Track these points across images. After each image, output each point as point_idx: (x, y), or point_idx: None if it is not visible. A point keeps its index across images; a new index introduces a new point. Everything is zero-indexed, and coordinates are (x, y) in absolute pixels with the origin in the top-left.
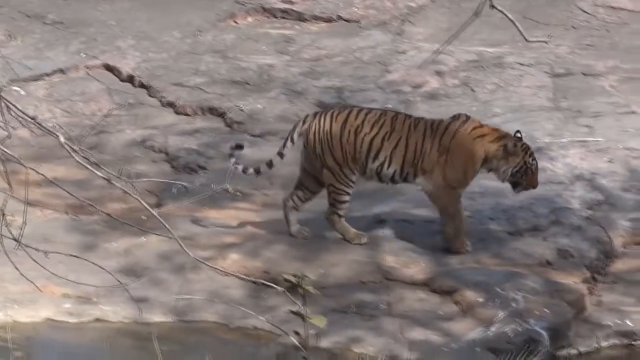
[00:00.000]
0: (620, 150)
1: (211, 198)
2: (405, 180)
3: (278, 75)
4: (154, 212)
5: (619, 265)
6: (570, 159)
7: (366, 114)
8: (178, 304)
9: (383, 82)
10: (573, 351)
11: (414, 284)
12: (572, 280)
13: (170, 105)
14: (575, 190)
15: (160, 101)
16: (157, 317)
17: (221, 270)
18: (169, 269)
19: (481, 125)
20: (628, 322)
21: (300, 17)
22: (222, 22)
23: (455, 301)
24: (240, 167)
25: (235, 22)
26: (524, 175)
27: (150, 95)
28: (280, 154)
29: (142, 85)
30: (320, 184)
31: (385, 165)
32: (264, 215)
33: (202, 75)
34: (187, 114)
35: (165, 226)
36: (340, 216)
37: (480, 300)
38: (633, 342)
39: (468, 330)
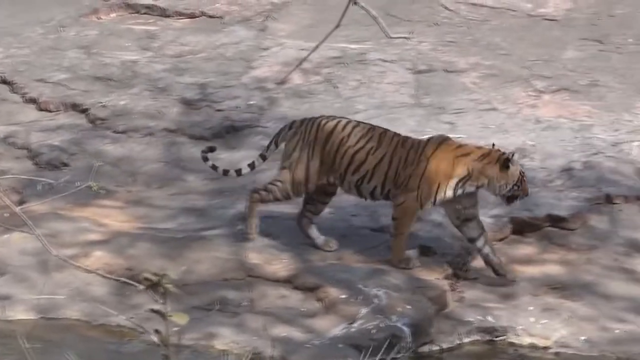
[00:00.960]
0: None
1: (75, 195)
2: (386, 197)
3: (141, 72)
4: (17, 209)
5: (480, 262)
6: None
7: (353, 127)
8: (41, 301)
9: (246, 79)
10: (435, 347)
11: (276, 281)
12: (434, 277)
13: (33, 101)
14: None
15: (23, 97)
16: (20, 314)
17: (84, 268)
18: (32, 266)
19: (463, 145)
20: (489, 318)
21: (163, 13)
22: (85, 18)
23: (318, 298)
24: (220, 169)
25: (99, 18)
26: (519, 187)
27: (12, 92)
28: (263, 156)
29: (4, 82)
30: (329, 194)
31: (366, 180)
32: (128, 212)
33: (65, 71)
34: (50, 110)
35: (28, 223)
36: (261, 201)
37: (343, 297)
38: (494, 338)
39: (331, 326)
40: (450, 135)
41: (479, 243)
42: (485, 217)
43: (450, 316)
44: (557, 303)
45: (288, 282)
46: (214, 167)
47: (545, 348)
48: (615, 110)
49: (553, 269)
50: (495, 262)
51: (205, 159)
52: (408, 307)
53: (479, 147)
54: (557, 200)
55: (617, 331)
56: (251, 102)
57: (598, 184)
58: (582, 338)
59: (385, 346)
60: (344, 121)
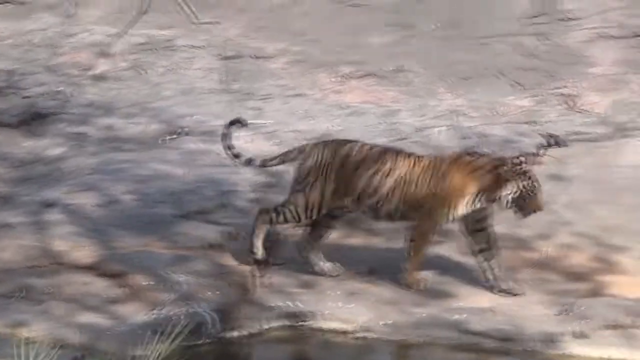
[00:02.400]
0: (288, 132)
1: None
2: (402, 218)
3: None
4: None
5: (285, 247)
6: (239, 142)
7: (368, 149)
8: None
9: (53, 65)
10: (241, 333)
11: (82, 267)
12: (239, 263)
13: None
14: (243, 172)
15: None
16: None
17: None
18: None
19: (480, 157)
20: (295, 303)
21: None
22: None
23: (123, 285)
24: (243, 158)
25: None
26: (525, 200)
27: None
28: (264, 163)
29: None
30: (334, 218)
31: (383, 202)
32: None
33: None
34: None
35: None
36: (271, 222)
37: (148, 283)
38: (300, 323)
39: (136, 313)
40: (259, 122)
41: (480, 257)
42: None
43: (256, 302)
44: (362, 288)
45: (93, 268)
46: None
47: (350, 332)
48: (421, 95)
49: (358, 254)
50: (490, 279)
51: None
52: (213, 293)
53: (494, 159)
54: None
55: (419, 315)
56: (57, 89)
57: None
58: (386, 322)
59: (190, 332)
60: (358, 144)
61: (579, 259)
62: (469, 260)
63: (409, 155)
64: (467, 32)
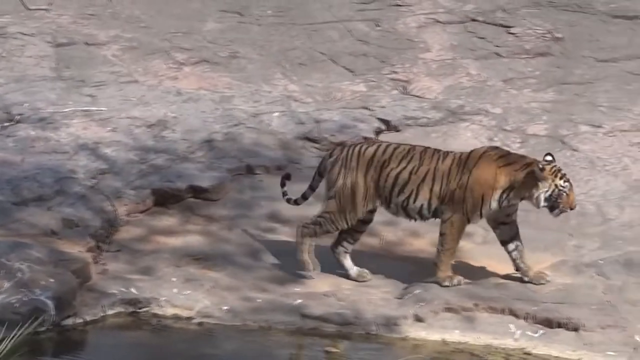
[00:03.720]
0: (123, 119)
1: None
2: (434, 215)
3: None
4: None
5: (123, 234)
6: (74, 129)
7: (394, 149)
8: None
9: None
10: (79, 320)
11: None
12: (77, 250)
13: None
14: (79, 159)
15: None
16: None
17: None
18: None
19: (508, 154)
20: (133, 289)
21: None
22: None
23: None
24: (286, 197)
25: None
26: (557, 199)
27: None
28: (312, 188)
29: None
30: (366, 221)
31: (412, 199)
32: None
33: None
34: None
35: None
36: (312, 235)
37: None
38: (138, 310)
39: None
40: (93, 108)
41: (510, 246)
42: (128, 188)
43: (94, 288)
44: (200, 274)
45: None
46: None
47: (189, 318)
48: (255, 81)
49: (196, 240)
50: (522, 268)
51: (283, 185)
52: (51, 280)
53: (522, 157)
54: (199, 171)
55: (258, 300)
56: None
57: (239, 155)
58: (225, 308)
59: (29, 320)
60: (383, 145)
61: (419, 244)
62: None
63: (435, 151)
64: (300, 18)
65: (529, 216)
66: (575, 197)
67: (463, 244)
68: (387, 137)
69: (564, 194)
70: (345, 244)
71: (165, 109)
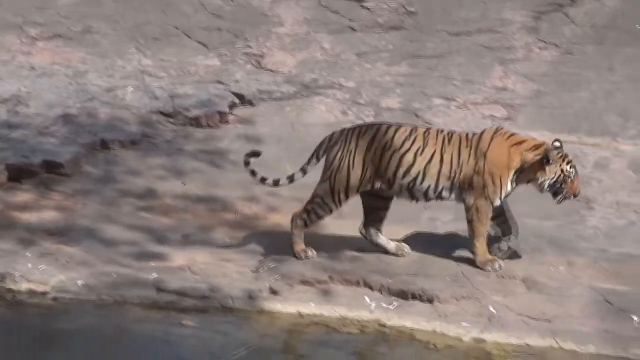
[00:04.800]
0: None
1: None
2: (439, 196)
3: None
4: None
5: None
6: None
7: (396, 130)
8: None
9: None
10: None
11: None
12: None
13: None
14: None
15: None
16: None
17: None
18: None
19: (516, 134)
20: None
21: None
22: None
23: None
24: (258, 176)
25: None
26: (562, 184)
27: None
28: (303, 170)
29: None
30: (386, 198)
31: (419, 181)
32: None
33: None
34: None
35: None
36: (305, 225)
37: None
38: None
39: None
40: None
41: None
42: None
43: None
44: (55, 249)
45: None
46: (253, 173)
47: (44, 293)
48: (109, 56)
49: (50, 215)
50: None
51: (247, 163)
52: None
53: (532, 138)
54: (53, 146)
55: (114, 275)
56: None
57: (94, 130)
58: (80, 282)
59: None
60: (384, 126)
61: (276, 219)
62: (162, 220)
63: (440, 131)
64: None
65: None
66: (579, 183)
67: None
68: (241, 111)
69: (569, 179)
70: (374, 224)
71: (19, 84)
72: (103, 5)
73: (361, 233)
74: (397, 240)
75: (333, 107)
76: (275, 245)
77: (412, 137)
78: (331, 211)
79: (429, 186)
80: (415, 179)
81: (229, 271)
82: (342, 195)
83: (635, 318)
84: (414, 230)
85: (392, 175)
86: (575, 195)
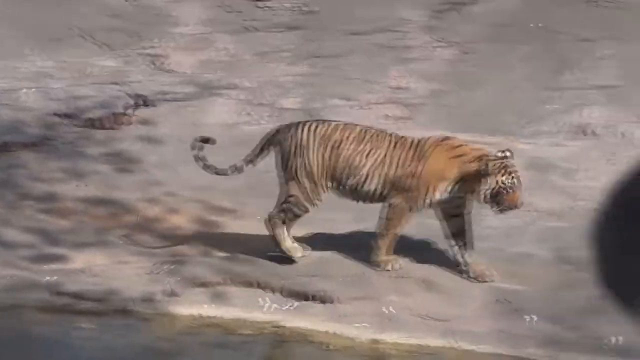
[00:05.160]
0: None
1: None
2: (382, 198)
3: None
4: None
5: None
6: None
7: (349, 130)
8: None
9: None
10: None
11: None
12: None
13: None
14: None
15: None
16: None
17: None
18: None
19: (461, 145)
20: None
21: None
22: None
23: None
24: (201, 163)
25: None
26: (501, 195)
27: None
28: (247, 161)
29: None
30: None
31: (366, 183)
32: None
33: None
34: None
35: None
36: (283, 223)
37: None
38: None
39: None
40: None
41: (452, 241)
42: None
43: None
44: None
45: None
46: (198, 159)
47: None
48: (8, 57)
49: None
50: (461, 263)
51: (194, 148)
52: None
53: (477, 149)
54: None
55: (10, 278)
56: None
57: None
58: None
59: None
60: (334, 124)
61: (177, 220)
62: (61, 223)
63: (390, 135)
64: None
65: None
66: (521, 195)
67: (217, 218)
68: (142, 112)
69: (508, 191)
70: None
71: None
72: (1, 6)
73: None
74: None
75: (233, 108)
76: (174, 247)
77: (363, 138)
78: (307, 210)
79: (374, 189)
80: (361, 181)
81: (128, 273)
82: (314, 194)
83: (530, 317)
84: (311, 232)
85: (340, 175)
86: (515, 207)
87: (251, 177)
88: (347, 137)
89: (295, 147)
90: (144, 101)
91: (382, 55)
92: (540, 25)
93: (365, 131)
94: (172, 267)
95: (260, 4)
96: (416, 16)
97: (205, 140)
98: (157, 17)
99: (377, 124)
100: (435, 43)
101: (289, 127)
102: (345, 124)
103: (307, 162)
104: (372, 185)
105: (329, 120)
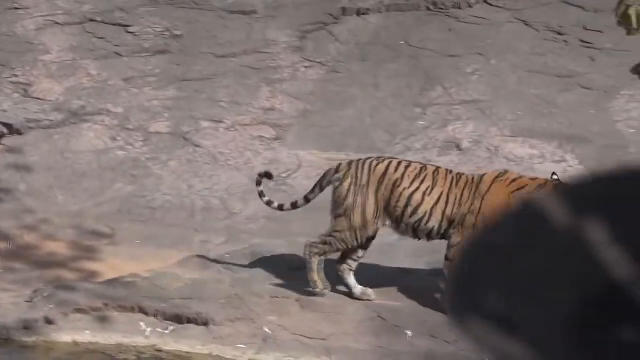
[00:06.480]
0: None
1: None
2: (442, 236)
3: None
4: None
5: None
6: None
7: (406, 167)
8: None
9: None
10: None
11: None
12: None
13: None
14: None
15: None
16: None
17: None
18: None
19: (520, 177)
20: None
21: None
22: None
23: None
24: (265, 199)
25: None
26: None
27: None
28: (307, 198)
29: None
30: (370, 238)
31: (424, 221)
32: None
33: None
34: None
35: None
36: (321, 255)
37: None
38: None
39: None
40: None
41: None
42: None
43: None
44: None
45: None
46: (269, 203)
47: None
48: None
49: None
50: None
51: (259, 183)
52: None
53: (534, 179)
54: None
55: None
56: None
57: None
58: None
59: None
60: (395, 162)
61: (54, 247)
62: None
63: (448, 172)
64: None
65: (155, 214)
66: None
67: (92, 243)
68: (10, 140)
69: None
70: (349, 261)
71: None
72: None
73: (336, 265)
74: (169, 266)
75: (102, 134)
76: (51, 273)
77: (422, 176)
78: (349, 247)
79: (433, 227)
80: (421, 219)
81: (3, 302)
82: (361, 234)
83: (408, 333)
84: (187, 254)
85: (401, 214)
86: None
87: (124, 202)
88: (406, 175)
89: (355, 185)
90: (12, 129)
91: (251, 77)
92: (405, 42)
93: (423, 168)
94: (51, 293)
95: (125, 29)
96: (284, 37)
97: (267, 176)
98: (23, 45)
99: (247, 145)
100: (303, 63)
101: (349, 165)
102: (402, 161)
103: (363, 200)
104: (431, 223)
105: (386, 157)
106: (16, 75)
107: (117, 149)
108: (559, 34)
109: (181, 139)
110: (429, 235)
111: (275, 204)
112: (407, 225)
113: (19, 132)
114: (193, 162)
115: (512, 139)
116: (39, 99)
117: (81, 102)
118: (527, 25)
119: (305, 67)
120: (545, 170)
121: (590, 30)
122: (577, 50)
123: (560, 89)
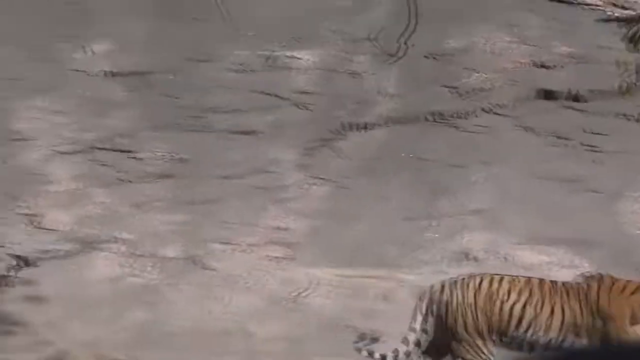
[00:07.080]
0: None
1: None
2: (558, 347)
3: None
4: None
5: None
6: None
7: (509, 282)
8: None
9: None
10: None
11: None
12: None
13: None
14: None
15: None
16: None
17: None
18: None
19: (629, 281)
20: None
21: None
22: None
23: None
24: (377, 355)
25: None
26: None
27: None
28: (414, 329)
29: None
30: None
31: (541, 334)
32: None
33: None
34: None
35: None
36: None
37: None
38: None
39: None
40: None
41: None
42: None
43: None
44: None
45: None
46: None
47: None
48: None
49: None
50: None
51: (359, 350)
52: None
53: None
54: None
55: None
56: None
57: None
58: None
59: None
60: (497, 277)
61: None
62: None
63: (550, 282)
64: None
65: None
66: None
67: None
68: (23, 273)
69: None
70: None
71: None
72: None
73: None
74: None
75: (114, 261)
76: None
77: (528, 289)
78: None
79: (551, 339)
80: (537, 332)
81: None
82: (487, 349)
83: None
84: None
85: (515, 329)
86: None
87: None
88: (512, 290)
89: (461, 306)
90: (25, 262)
91: (258, 197)
92: (410, 154)
93: (527, 281)
94: None
95: (129, 155)
96: (288, 155)
97: (363, 338)
98: (30, 176)
99: (260, 265)
100: (310, 180)
101: (450, 286)
102: (504, 277)
103: (475, 319)
104: (550, 335)
105: (490, 274)
106: (26, 207)
107: (130, 276)
108: (562, 138)
109: (193, 262)
110: (546, 347)
111: (377, 355)
112: (519, 339)
113: (32, 264)
114: (206, 285)
115: (520, 247)
116: (49, 229)
117: (91, 230)
118: (529, 131)
119: (312, 184)
120: (558, 276)
121: (592, 133)
122: (581, 154)
123: (566, 193)
